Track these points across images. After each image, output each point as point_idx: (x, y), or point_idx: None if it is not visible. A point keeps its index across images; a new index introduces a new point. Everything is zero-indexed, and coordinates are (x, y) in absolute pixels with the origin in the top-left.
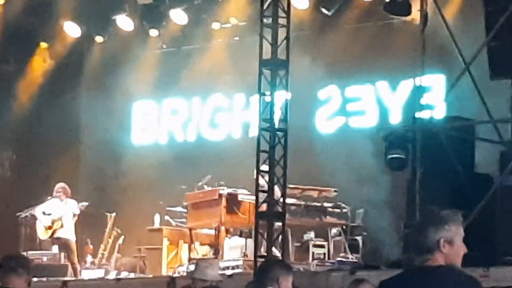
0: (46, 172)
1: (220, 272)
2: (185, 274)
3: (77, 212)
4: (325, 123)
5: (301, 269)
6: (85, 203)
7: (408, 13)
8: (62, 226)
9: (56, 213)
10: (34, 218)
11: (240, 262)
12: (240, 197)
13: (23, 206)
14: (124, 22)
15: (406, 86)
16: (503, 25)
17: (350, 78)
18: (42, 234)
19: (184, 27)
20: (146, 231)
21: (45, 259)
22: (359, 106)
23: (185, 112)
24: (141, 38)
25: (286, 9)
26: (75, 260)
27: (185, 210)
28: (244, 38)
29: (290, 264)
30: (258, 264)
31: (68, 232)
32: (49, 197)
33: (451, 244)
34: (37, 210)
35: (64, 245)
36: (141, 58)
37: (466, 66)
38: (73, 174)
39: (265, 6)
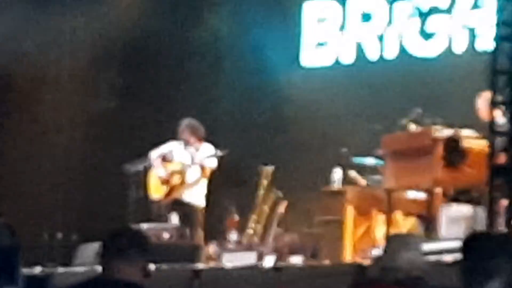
0: (170, 103)
1: (431, 256)
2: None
3: (211, 163)
4: None
5: None
6: (224, 152)
7: None
8: (183, 182)
9: (178, 162)
10: (147, 170)
11: None
12: (465, 142)
13: (133, 153)
14: None
15: None
16: None
17: None
18: (154, 189)
19: None
20: (321, 194)
21: (166, 235)
22: None
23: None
24: None
25: None
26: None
27: (381, 162)
28: None
29: None
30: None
31: (193, 194)
32: (170, 140)
33: None
34: (153, 154)
35: (185, 213)
36: None
37: None
38: (208, 108)
39: None
